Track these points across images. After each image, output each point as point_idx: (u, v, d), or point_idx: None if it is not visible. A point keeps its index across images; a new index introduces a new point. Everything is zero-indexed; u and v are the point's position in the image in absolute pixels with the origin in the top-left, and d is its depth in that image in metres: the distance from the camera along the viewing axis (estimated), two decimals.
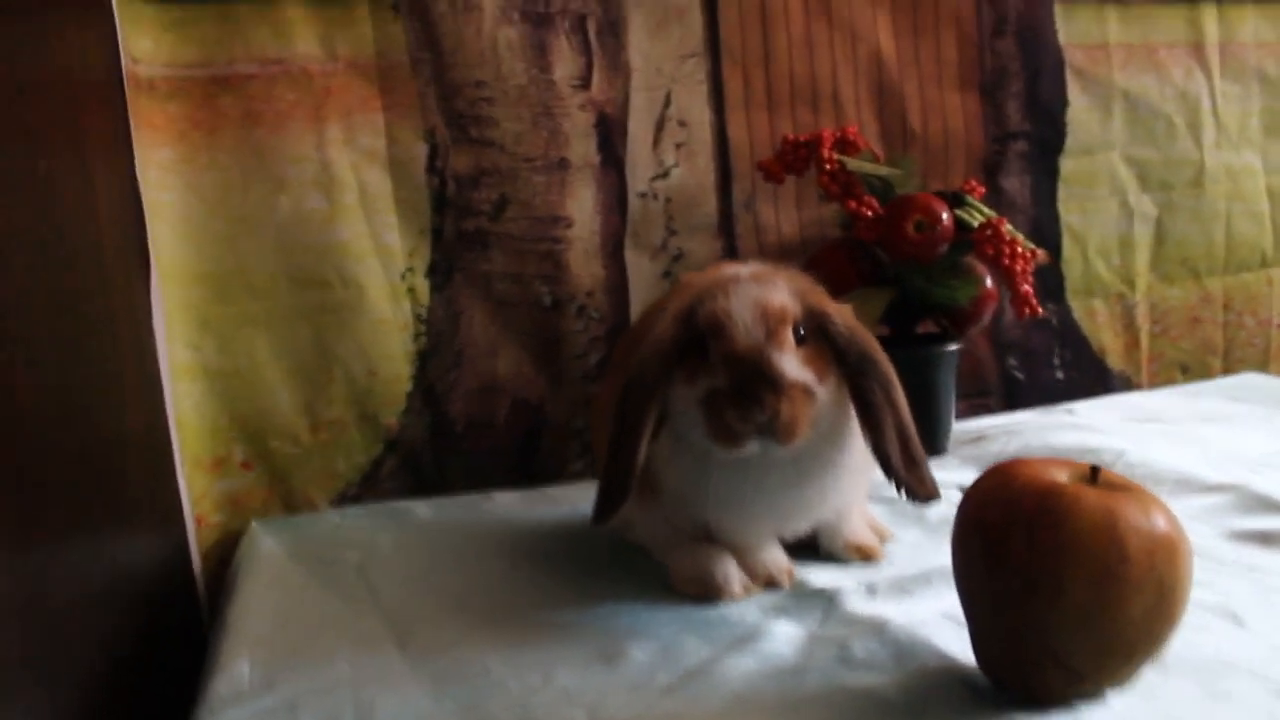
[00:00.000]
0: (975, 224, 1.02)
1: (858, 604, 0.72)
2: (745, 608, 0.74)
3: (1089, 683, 0.56)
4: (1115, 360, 1.27)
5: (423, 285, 1.05)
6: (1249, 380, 1.27)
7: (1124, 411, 1.17)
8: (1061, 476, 0.58)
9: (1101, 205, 1.24)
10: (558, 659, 0.67)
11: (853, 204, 1.04)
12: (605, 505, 0.71)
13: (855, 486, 0.79)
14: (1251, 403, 1.17)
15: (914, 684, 0.61)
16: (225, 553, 1.00)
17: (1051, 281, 1.23)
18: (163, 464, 0.92)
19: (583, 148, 1.07)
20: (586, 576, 0.82)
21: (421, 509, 1.02)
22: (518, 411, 1.09)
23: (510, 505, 1.02)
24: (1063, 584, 0.53)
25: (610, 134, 1.08)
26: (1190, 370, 1.30)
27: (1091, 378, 1.26)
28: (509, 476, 1.08)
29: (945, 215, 1.01)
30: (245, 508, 1.02)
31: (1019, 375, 1.24)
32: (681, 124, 1.10)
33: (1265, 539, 0.77)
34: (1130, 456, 0.96)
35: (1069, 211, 1.23)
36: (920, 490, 0.71)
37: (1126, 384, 1.27)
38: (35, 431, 0.59)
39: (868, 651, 0.65)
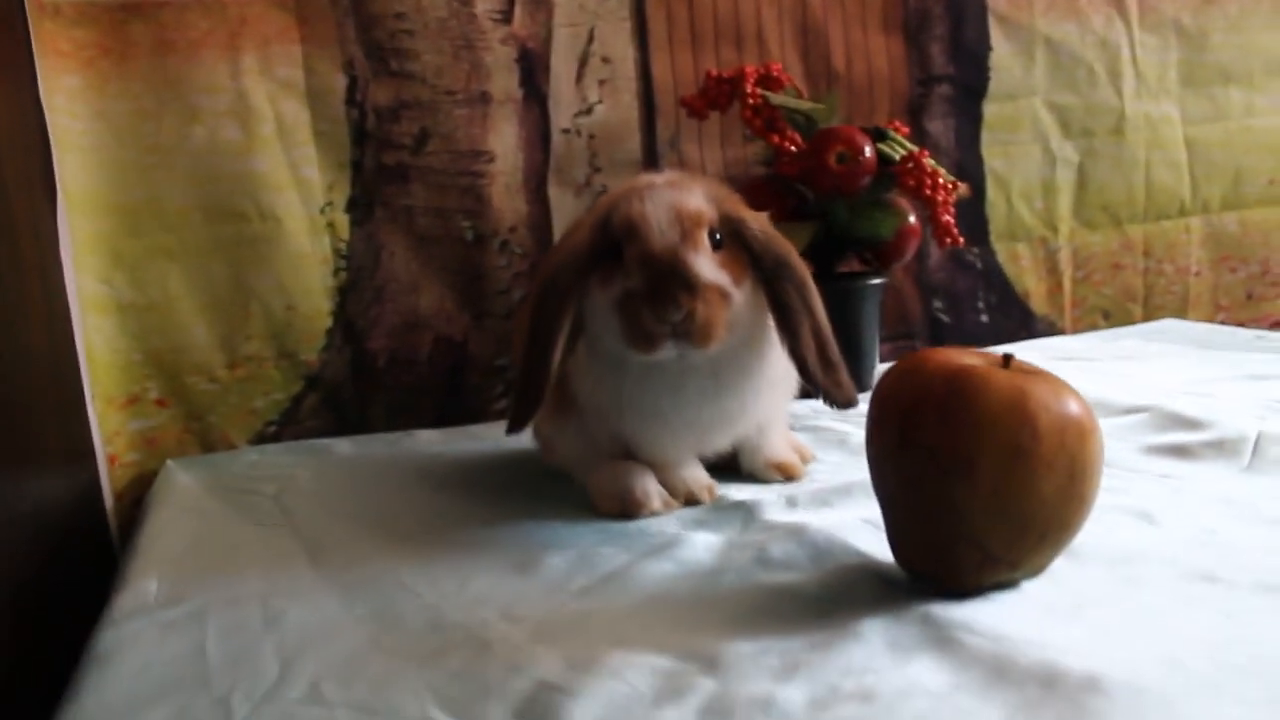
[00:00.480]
0: (897, 157, 1.02)
1: (777, 514, 0.72)
2: (665, 521, 0.74)
3: (1003, 564, 0.56)
4: (1039, 304, 1.28)
5: (342, 220, 1.03)
6: (1169, 325, 1.29)
7: (1047, 351, 1.19)
8: (974, 362, 0.58)
9: (1024, 150, 1.25)
10: (473, 569, 0.67)
11: (776, 139, 1.04)
12: (520, 411, 0.70)
13: (776, 400, 0.78)
14: (1171, 343, 1.19)
15: (830, 579, 0.61)
16: (140, 491, 0.97)
17: (975, 224, 1.24)
18: (71, 399, 0.89)
19: (505, 82, 1.06)
20: (506, 498, 0.81)
21: (343, 445, 1.00)
22: (440, 348, 1.07)
23: (433, 441, 1.01)
24: (974, 462, 0.53)
25: (533, 69, 1.07)
26: (1112, 316, 1.32)
27: (1016, 321, 1.27)
28: (432, 414, 1.07)
29: (867, 148, 1.01)
30: (160, 447, 0.99)
31: (944, 318, 1.25)
32: (605, 60, 1.09)
33: (1179, 451, 0.79)
34: None
35: (992, 156, 1.24)
36: (838, 394, 0.71)
37: (1050, 328, 1.29)
38: None
39: (785, 553, 0.65)
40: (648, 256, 0.66)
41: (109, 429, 0.96)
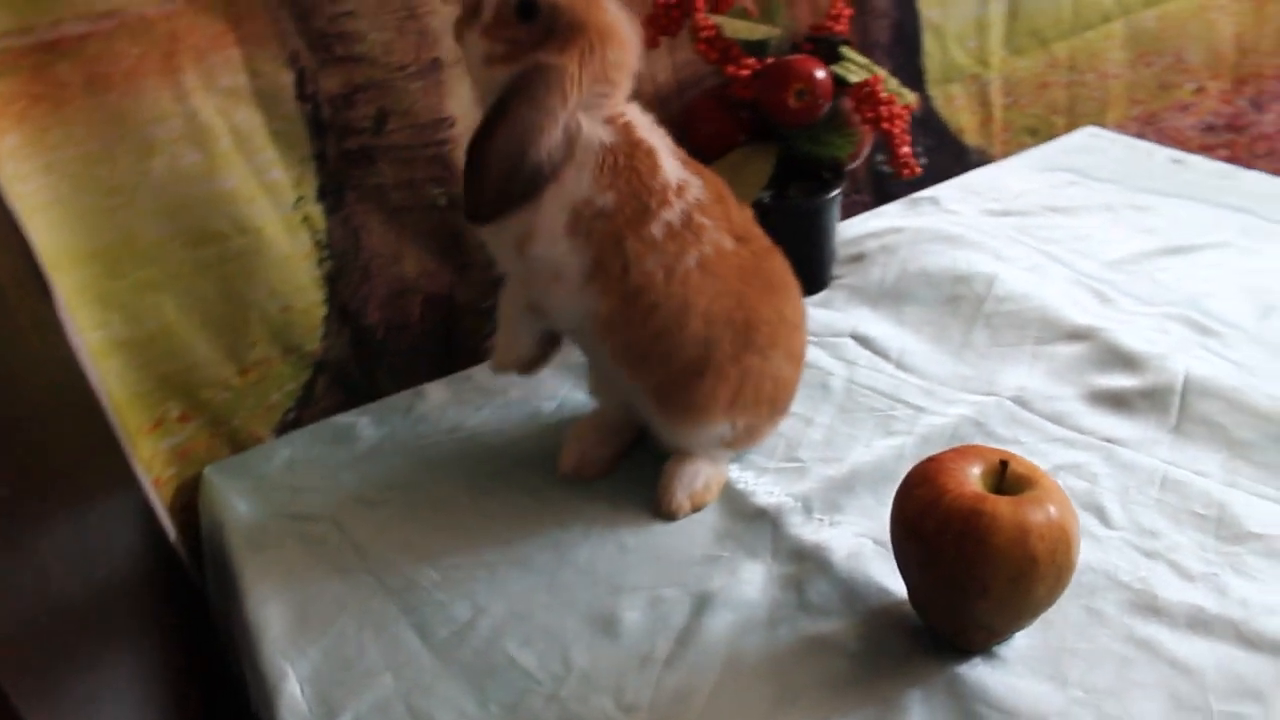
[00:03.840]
0: (852, 80, 1.04)
1: (798, 527, 0.84)
2: (696, 534, 0.86)
3: (1004, 636, 0.71)
4: (971, 137, 1.35)
5: (316, 211, 1.03)
6: (1089, 140, 1.37)
7: (982, 198, 1.27)
8: (977, 472, 0.70)
9: None
10: (566, 635, 0.78)
11: (731, 69, 1.05)
12: None
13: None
14: (1093, 178, 1.28)
15: (866, 629, 0.75)
16: (186, 500, 1.06)
17: (912, 75, 1.27)
18: (103, 437, 0.94)
19: (452, 44, 1.02)
20: (541, 493, 0.93)
21: (364, 426, 1.07)
22: (430, 305, 1.12)
23: (444, 402, 1.08)
24: (986, 585, 0.66)
25: None
26: (1038, 132, 1.39)
27: (950, 158, 1.34)
28: (433, 366, 1.14)
29: (820, 73, 1.03)
30: (194, 456, 1.06)
31: (886, 169, 1.31)
32: None
33: (1117, 402, 0.91)
34: (999, 288, 1.07)
35: (929, 7, 1.24)
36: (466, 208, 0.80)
37: (982, 157, 1.36)
38: None
39: (821, 596, 0.78)
40: None
41: (145, 455, 1.02)
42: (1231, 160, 1.50)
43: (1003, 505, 0.67)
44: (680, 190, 0.83)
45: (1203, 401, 0.89)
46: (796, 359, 0.92)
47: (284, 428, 1.09)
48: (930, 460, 0.72)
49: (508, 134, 0.77)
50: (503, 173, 0.77)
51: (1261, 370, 0.91)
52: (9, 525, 0.60)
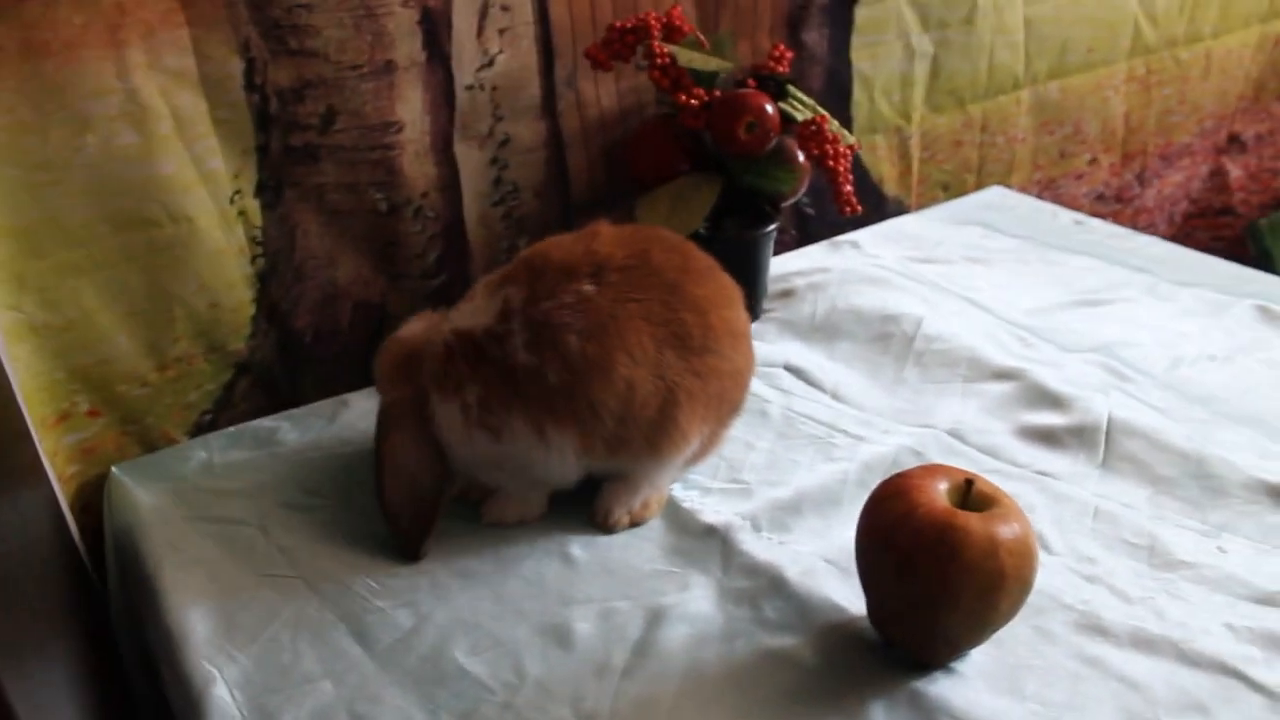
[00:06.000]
0: (799, 119, 1.07)
1: (748, 543, 0.85)
2: (641, 547, 0.86)
3: (964, 650, 0.73)
4: (891, 187, 1.40)
5: (253, 206, 0.99)
6: (997, 198, 1.45)
7: (901, 245, 1.32)
8: (944, 488, 0.71)
9: (888, 49, 1.31)
10: (517, 645, 0.77)
11: (682, 97, 1.06)
12: None
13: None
14: (1004, 233, 1.34)
15: (824, 645, 0.75)
16: (86, 500, 0.99)
17: (842, 123, 1.31)
18: (19, 430, 0.87)
19: (408, 47, 1.01)
20: (479, 505, 0.90)
21: (285, 430, 1.02)
22: (360, 314, 1.09)
23: (367, 411, 1.04)
24: (958, 598, 0.68)
25: (435, 29, 1.02)
26: (950, 188, 1.46)
27: (870, 205, 1.38)
28: (359, 376, 1.10)
29: (769, 107, 1.06)
30: (100, 454, 0.99)
31: (810, 211, 1.35)
32: (504, 9, 1.05)
33: (1047, 438, 0.95)
34: (927, 327, 1.11)
35: (860, 58, 1.29)
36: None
37: (899, 207, 1.42)
38: None
39: (778, 613, 0.78)
40: None
41: (48, 449, 0.95)
42: None
43: (974, 520, 0.69)
44: (505, 316, 0.83)
45: (1127, 440, 0.94)
46: (741, 337, 0.89)
47: (198, 430, 1.03)
48: (900, 476, 0.73)
49: (388, 483, 0.85)
50: (404, 511, 0.85)
51: (1177, 414, 0.97)
52: None
